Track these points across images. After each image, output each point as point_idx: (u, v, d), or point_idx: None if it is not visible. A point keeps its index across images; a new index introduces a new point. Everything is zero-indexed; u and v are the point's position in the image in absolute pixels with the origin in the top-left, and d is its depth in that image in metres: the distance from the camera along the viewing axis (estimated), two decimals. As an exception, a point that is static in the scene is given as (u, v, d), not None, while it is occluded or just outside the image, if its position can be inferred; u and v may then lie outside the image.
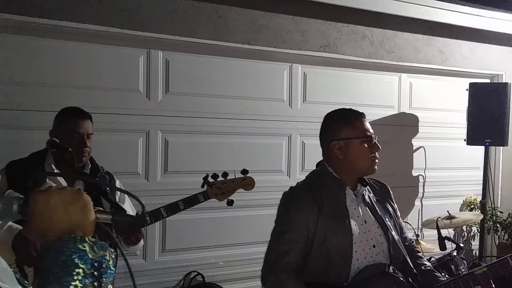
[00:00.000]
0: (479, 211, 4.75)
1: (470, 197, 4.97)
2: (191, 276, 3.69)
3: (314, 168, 3.26)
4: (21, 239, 1.94)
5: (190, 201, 2.35)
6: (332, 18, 4.11)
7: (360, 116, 2.18)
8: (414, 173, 4.73)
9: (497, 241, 4.97)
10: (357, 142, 2.11)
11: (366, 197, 2.19)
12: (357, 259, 2.05)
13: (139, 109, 3.53)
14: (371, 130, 2.15)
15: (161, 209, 2.32)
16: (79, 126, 2.38)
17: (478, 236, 4.87)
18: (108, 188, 2.46)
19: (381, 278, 2.05)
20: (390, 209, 2.26)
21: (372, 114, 4.15)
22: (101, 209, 0.97)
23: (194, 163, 3.70)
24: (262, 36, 3.84)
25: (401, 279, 2.07)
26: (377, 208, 2.18)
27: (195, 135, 3.75)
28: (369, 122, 2.25)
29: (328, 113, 2.28)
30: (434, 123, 4.77)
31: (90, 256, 0.86)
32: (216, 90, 3.80)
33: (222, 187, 2.40)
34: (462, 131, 4.66)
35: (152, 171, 3.60)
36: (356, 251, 2.05)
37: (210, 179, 2.38)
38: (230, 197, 2.45)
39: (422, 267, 2.24)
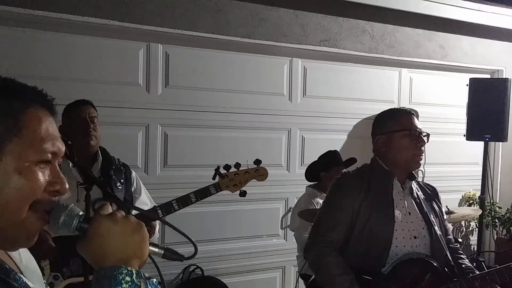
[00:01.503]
0: (478, 206, 4.75)
1: (469, 192, 4.98)
2: (190, 269, 3.70)
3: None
4: None
5: (202, 193, 2.32)
6: (332, 12, 4.10)
7: (405, 112, 2.24)
8: (414, 168, 4.72)
9: (496, 236, 4.98)
10: (399, 135, 2.16)
11: (414, 192, 2.25)
12: (396, 246, 2.12)
13: (139, 102, 3.53)
14: (417, 126, 2.19)
15: (173, 202, 2.31)
16: (80, 111, 2.46)
17: (477, 231, 4.87)
18: (119, 185, 2.47)
19: (416, 264, 2.11)
20: (437, 209, 2.32)
21: (371, 109, 4.14)
22: (155, 243, 0.99)
23: (193, 157, 3.70)
24: (262, 30, 3.83)
25: (435, 265, 2.12)
26: (423, 204, 2.24)
27: (195, 129, 3.75)
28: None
29: (382, 111, 2.34)
30: (434, 118, 4.75)
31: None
32: (216, 84, 3.79)
33: (234, 178, 2.36)
34: (462, 127, 4.65)
35: (152, 165, 3.60)
36: (396, 238, 2.12)
37: (222, 170, 2.34)
38: (243, 188, 2.41)
39: (463, 266, 2.28)
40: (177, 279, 3.69)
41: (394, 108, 2.33)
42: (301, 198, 3.44)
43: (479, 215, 4.52)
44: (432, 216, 2.23)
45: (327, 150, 3.46)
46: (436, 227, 2.20)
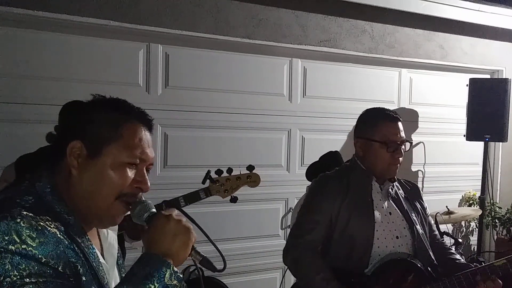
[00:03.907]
0: (478, 206, 4.76)
1: (469, 192, 4.98)
2: (190, 270, 3.69)
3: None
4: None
5: (191, 198, 2.27)
6: (332, 12, 4.10)
7: (390, 119, 2.18)
8: (414, 168, 4.73)
9: (496, 237, 4.98)
10: (377, 145, 2.15)
11: (393, 192, 2.24)
12: (378, 247, 2.11)
13: (139, 103, 3.43)
14: (400, 136, 2.15)
15: (162, 204, 2.29)
16: None
17: (477, 232, 4.88)
18: None
19: (398, 264, 2.10)
20: (419, 206, 2.31)
21: (372, 109, 4.13)
22: (197, 250, 1.16)
23: (193, 157, 3.70)
24: (262, 30, 3.83)
25: (419, 266, 2.11)
26: (403, 203, 2.24)
27: (195, 129, 3.75)
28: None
29: (366, 109, 2.30)
30: (434, 119, 4.77)
31: (165, 280, 1.05)
32: (215, 84, 3.79)
33: (225, 184, 2.31)
34: (462, 127, 4.66)
35: (152, 165, 3.60)
36: (378, 239, 2.12)
37: (214, 175, 2.30)
38: (234, 194, 2.36)
39: (457, 261, 2.27)
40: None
41: (379, 110, 2.24)
42: (301, 199, 3.44)
43: (479, 215, 4.52)
44: (413, 214, 2.23)
45: (328, 151, 3.46)
46: (418, 226, 2.20)
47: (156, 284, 1.03)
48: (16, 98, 3.14)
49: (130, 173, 1.14)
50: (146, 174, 1.18)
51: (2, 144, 3.04)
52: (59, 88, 3.21)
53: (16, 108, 3.14)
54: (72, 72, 3.29)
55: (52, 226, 1.03)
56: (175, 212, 1.15)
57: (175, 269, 1.08)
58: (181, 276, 1.09)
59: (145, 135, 1.19)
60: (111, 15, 3.30)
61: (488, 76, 5.03)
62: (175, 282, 1.06)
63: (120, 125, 1.16)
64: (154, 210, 1.16)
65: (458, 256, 2.33)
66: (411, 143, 2.24)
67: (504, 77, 4.91)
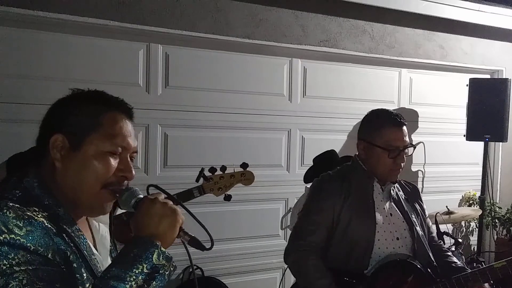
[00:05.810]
0: (478, 206, 4.76)
1: (469, 192, 4.97)
2: (190, 270, 3.69)
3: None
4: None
5: (185, 196, 2.23)
6: (332, 12, 4.10)
7: (394, 124, 2.15)
8: (414, 168, 4.73)
9: (496, 237, 4.98)
10: (379, 150, 2.14)
11: (394, 193, 2.25)
12: (379, 248, 2.11)
13: (139, 103, 3.51)
14: (403, 142, 2.13)
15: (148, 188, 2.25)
16: None
17: (477, 232, 4.88)
18: None
19: (399, 265, 2.11)
20: (418, 208, 2.31)
21: (372, 109, 4.12)
22: (185, 230, 1.18)
23: (193, 157, 3.70)
24: (262, 30, 3.83)
25: (418, 266, 2.11)
26: (404, 205, 2.24)
27: (195, 129, 3.75)
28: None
29: (372, 110, 2.29)
30: (434, 119, 4.76)
31: (154, 260, 1.06)
32: (215, 84, 3.79)
33: (219, 182, 2.29)
34: (462, 127, 4.65)
35: (152, 165, 3.60)
36: (379, 240, 2.12)
37: (207, 173, 2.28)
38: (228, 192, 2.33)
39: (453, 264, 2.27)
40: (177, 279, 3.69)
41: (385, 114, 2.21)
42: (301, 198, 3.44)
43: (479, 216, 4.52)
44: (413, 216, 2.24)
45: (321, 152, 3.45)
46: (418, 228, 2.20)
47: (144, 264, 1.04)
48: (16, 98, 3.14)
49: (113, 162, 1.16)
50: (130, 163, 1.19)
51: (1, 144, 3.04)
52: (59, 88, 3.17)
53: (16, 108, 3.14)
54: (72, 72, 3.29)
55: (39, 216, 1.05)
56: (161, 196, 1.16)
57: (163, 249, 1.09)
58: (170, 256, 1.10)
59: (126, 123, 1.21)
60: (111, 15, 3.30)
61: (488, 76, 5.03)
62: (163, 262, 1.07)
63: (100, 115, 1.18)
64: (141, 196, 1.17)
65: (455, 259, 2.33)
66: (414, 147, 2.23)
67: (504, 77, 4.91)
